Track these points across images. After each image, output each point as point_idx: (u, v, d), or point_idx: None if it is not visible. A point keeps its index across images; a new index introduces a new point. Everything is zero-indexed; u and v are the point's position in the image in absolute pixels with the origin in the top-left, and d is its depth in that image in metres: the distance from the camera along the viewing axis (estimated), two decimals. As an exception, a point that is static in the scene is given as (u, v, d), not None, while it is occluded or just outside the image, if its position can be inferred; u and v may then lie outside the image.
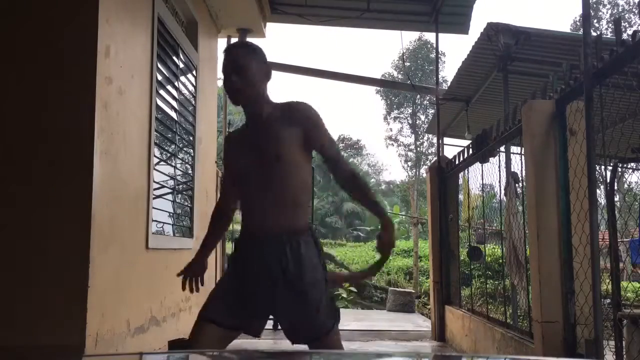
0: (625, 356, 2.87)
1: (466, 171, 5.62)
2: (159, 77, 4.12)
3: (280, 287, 2.04)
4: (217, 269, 6.04)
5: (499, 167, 4.66)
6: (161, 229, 4.30)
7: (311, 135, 2.10)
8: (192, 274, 2.32)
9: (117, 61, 3.26)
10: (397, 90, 27.38)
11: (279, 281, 2.04)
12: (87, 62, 2.97)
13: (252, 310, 2.10)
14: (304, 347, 2.12)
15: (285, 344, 2.12)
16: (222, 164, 2.52)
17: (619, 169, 3.78)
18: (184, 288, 2.29)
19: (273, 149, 2.05)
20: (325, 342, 2.07)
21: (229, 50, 2.18)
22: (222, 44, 6.58)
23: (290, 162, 2.06)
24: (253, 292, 2.07)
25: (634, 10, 25.66)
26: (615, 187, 3.32)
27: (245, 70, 2.08)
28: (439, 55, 8.15)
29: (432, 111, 18.89)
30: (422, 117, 29.97)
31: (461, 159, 5.49)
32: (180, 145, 4.87)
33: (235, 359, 1.59)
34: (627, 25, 23.94)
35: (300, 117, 2.10)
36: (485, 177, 4.93)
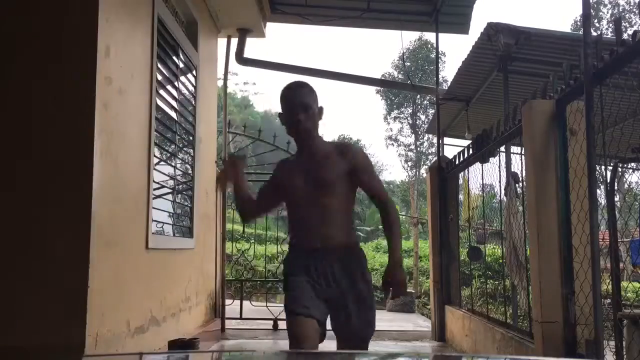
0: (625, 356, 2.87)
1: (466, 171, 5.62)
2: (159, 77, 4.12)
3: (334, 291, 2.34)
4: (217, 267, 6.04)
5: (499, 167, 4.66)
6: (161, 229, 4.30)
7: (360, 175, 2.42)
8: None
9: (117, 61, 3.25)
10: (397, 90, 27.36)
11: (332, 287, 2.34)
12: (87, 62, 2.96)
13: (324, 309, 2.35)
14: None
15: (286, 344, 2.12)
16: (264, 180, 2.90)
17: (619, 169, 3.78)
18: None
19: (326, 178, 2.36)
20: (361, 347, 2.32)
21: (294, 88, 2.45)
22: (222, 44, 6.58)
23: (338, 192, 2.38)
24: (318, 295, 2.34)
25: (634, 10, 25.66)
26: (616, 187, 3.32)
27: (310, 108, 2.39)
28: (439, 55, 8.14)
29: (432, 111, 18.88)
30: (422, 117, 29.93)
31: (461, 159, 5.49)
32: (180, 145, 4.87)
33: (235, 359, 1.59)
34: (628, 25, 23.91)
35: (353, 157, 2.42)
36: (485, 177, 4.93)
